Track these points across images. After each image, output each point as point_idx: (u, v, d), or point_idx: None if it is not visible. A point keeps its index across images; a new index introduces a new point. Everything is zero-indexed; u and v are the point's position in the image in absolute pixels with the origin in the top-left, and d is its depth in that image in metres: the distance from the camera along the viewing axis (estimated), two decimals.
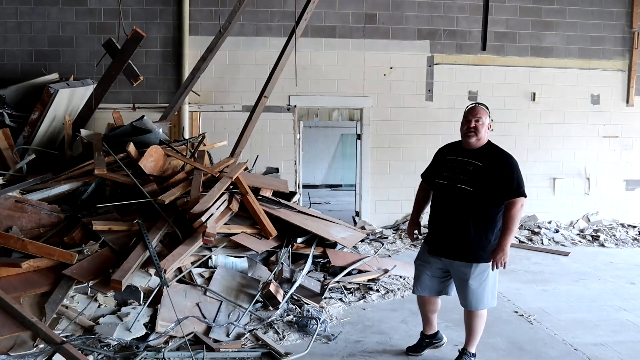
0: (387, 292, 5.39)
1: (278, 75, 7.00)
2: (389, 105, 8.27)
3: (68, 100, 6.50)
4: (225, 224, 5.32)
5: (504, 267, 3.44)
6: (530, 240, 7.96)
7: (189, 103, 7.98)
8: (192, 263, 4.78)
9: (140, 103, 7.93)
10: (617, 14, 8.54)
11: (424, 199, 3.91)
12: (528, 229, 8.37)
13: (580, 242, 8.00)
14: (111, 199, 5.42)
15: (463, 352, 3.70)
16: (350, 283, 5.41)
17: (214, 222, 4.74)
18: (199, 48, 7.84)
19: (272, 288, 4.57)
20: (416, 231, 3.92)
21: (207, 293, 4.54)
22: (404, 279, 5.84)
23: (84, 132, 6.16)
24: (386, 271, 5.75)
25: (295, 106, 8.16)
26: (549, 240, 7.98)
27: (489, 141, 3.54)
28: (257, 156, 7.84)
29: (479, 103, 3.57)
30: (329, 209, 11.80)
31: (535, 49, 8.43)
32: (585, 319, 4.80)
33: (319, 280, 5.19)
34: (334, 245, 5.78)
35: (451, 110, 8.34)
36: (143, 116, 6.10)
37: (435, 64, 8.30)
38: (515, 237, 7.99)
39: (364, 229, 8.25)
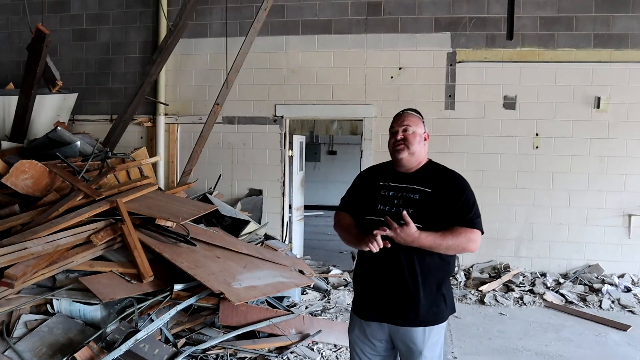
0: None
1: (233, 79, 5.81)
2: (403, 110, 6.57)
3: (3, 110, 5.96)
4: (99, 258, 4.29)
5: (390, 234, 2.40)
6: (584, 300, 5.70)
7: (166, 114, 7.10)
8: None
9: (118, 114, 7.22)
10: None
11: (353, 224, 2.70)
12: (586, 284, 6.06)
13: None
14: None
15: None
16: (238, 350, 3.97)
17: (34, 259, 3.66)
18: (179, 52, 6.96)
19: (81, 354, 3.36)
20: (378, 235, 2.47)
21: (7, 351, 3.46)
22: (337, 349, 4.25)
23: (4, 144, 5.53)
24: (305, 337, 4.20)
25: (282, 117, 6.86)
26: (613, 302, 5.65)
27: (429, 160, 2.69)
28: (220, 175, 6.67)
29: (409, 109, 2.70)
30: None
31: (601, 37, 6.17)
32: None
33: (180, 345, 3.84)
34: None
35: (479, 122, 6.43)
36: (57, 127, 5.29)
37: (458, 62, 6.45)
38: (561, 294, 5.80)
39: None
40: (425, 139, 2.63)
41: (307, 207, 13.08)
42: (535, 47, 6.27)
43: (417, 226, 2.40)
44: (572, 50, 6.22)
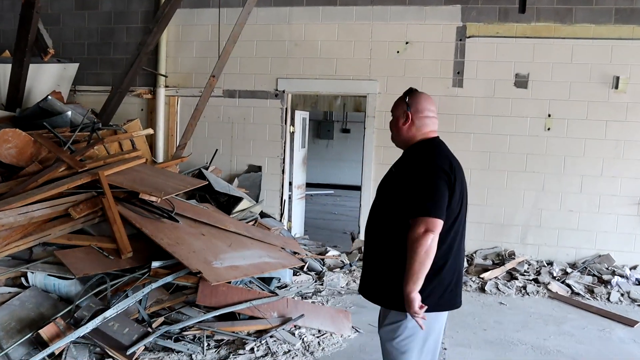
0: (267, 354, 3.71)
1: (230, 50, 5.58)
2: (402, 92, 6.28)
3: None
4: (80, 232, 4.18)
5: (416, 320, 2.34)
6: (591, 292, 5.41)
7: (166, 87, 6.93)
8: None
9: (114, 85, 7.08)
10: None
11: None
12: (595, 274, 5.76)
13: None
14: None
15: None
16: (215, 332, 3.84)
17: (6, 231, 3.56)
18: (180, 23, 6.78)
19: (46, 330, 3.25)
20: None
21: None
22: (320, 335, 4.07)
23: None
24: (286, 321, 4.04)
25: (284, 91, 6.62)
26: (622, 295, 5.35)
27: (427, 140, 2.50)
28: (217, 150, 6.50)
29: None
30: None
31: (622, 12, 5.75)
32: None
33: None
34: None
35: (488, 101, 6.11)
36: (47, 96, 5.17)
37: (468, 37, 6.10)
38: (567, 285, 5.52)
39: (362, 252, 6.43)
40: (407, 119, 2.48)
41: (318, 186, 12.91)
42: (550, 22, 5.88)
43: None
44: (590, 26, 5.81)
